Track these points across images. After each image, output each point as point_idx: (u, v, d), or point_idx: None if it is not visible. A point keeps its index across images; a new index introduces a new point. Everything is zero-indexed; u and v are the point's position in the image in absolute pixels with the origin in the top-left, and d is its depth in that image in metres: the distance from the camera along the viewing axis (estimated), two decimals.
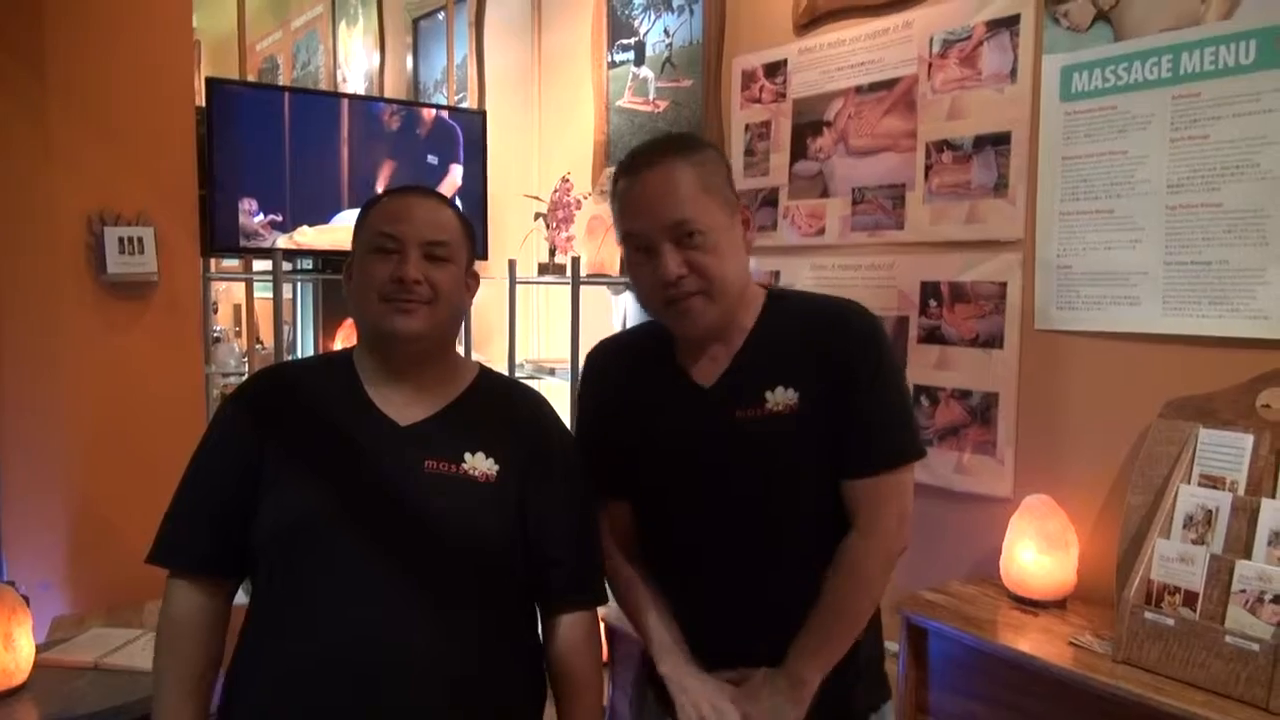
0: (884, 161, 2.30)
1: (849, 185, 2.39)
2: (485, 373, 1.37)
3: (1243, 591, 1.49)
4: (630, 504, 1.38)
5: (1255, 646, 1.41)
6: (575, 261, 2.82)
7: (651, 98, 3.02)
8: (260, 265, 3.36)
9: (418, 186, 1.37)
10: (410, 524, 1.20)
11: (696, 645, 1.31)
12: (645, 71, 3.05)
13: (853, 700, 1.30)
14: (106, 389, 2.47)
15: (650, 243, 1.22)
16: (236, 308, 5.19)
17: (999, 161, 2.06)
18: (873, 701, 1.34)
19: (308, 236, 2.98)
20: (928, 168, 2.20)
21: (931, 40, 2.19)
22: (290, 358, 3.26)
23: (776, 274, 2.59)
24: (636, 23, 3.07)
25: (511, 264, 3.07)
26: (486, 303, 1.39)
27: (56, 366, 2.43)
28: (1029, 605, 1.85)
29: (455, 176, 3.29)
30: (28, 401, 2.43)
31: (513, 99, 3.73)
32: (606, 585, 1.35)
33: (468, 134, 3.30)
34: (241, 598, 1.27)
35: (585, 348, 1.55)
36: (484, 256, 3.27)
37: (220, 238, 2.83)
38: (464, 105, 3.89)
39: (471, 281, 1.34)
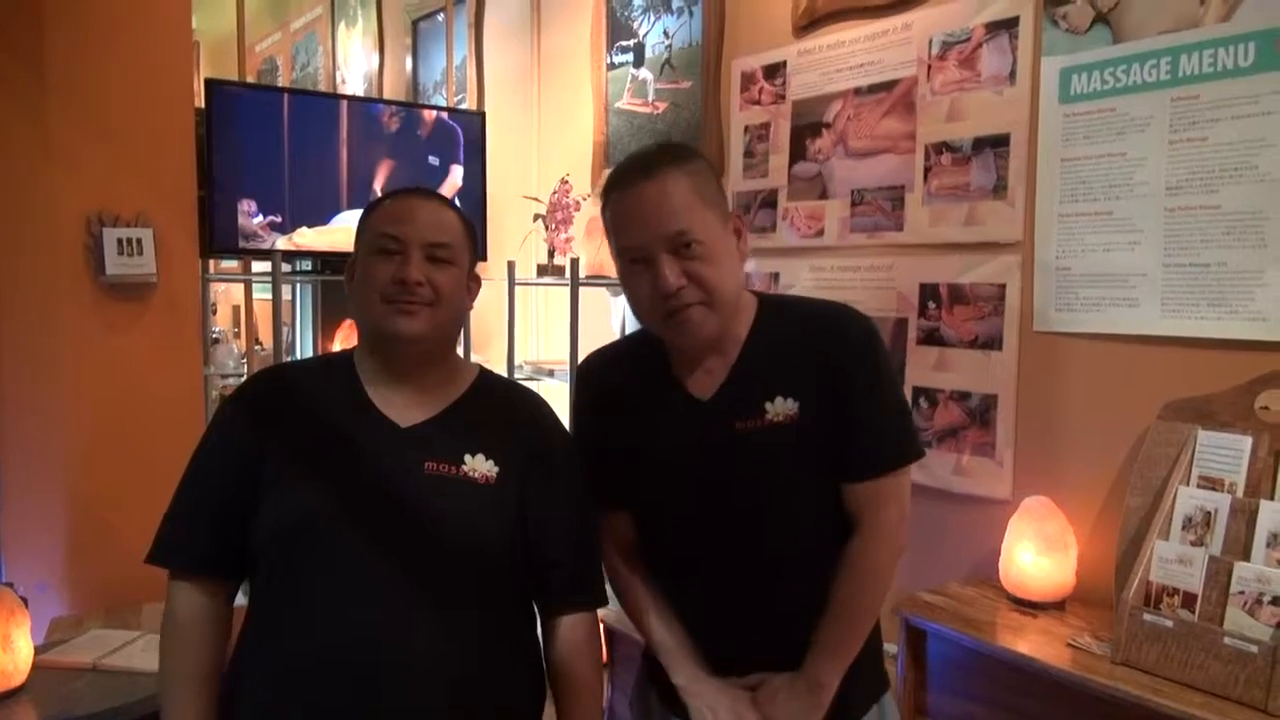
0: (883, 163, 2.30)
1: (848, 187, 2.39)
2: (485, 374, 1.37)
3: (1241, 593, 1.49)
4: (630, 514, 1.38)
5: (1254, 648, 1.41)
6: (574, 263, 2.82)
7: (651, 99, 3.02)
8: (259, 266, 3.36)
9: (420, 188, 1.37)
10: (410, 525, 1.20)
11: (698, 652, 1.32)
12: (644, 73, 3.05)
13: (855, 692, 1.31)
14: (105, 390, 2.47)
15: (648, 254, 1.21)
16: (235, 309, 5.19)
17: (998, 163, 2.06)
18: (874, 692, 1.35)
19: (307, 238, 2.98)
20: (927, 169, 2.21)
21: (931, 42, 2.20)
22: (289, 359, 3.26)
23: (775, 275, 2.59)
24: (636, 24, 3.07)
25: (510, 265, 3.08)
26: (485, 304, 1.39)
27: (55, 367, 2.42)
28: (1028, 607, 1.85)
29: (456, 177, 3.29)
30: (26, 402, 2.43)
31: (512, 100, 3.74)
32: (607, 587, 1.35)
33: (467, 135, 3.30)
34: (241, 599, 1.27)
35: (585, 349, 1.55)
36: (483, 258, 3.27)
37: (219, 239, 2.83)
38: (463, 107, 3.90)
39: (473, 284, 1.34)
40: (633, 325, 1.34)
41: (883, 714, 1.35)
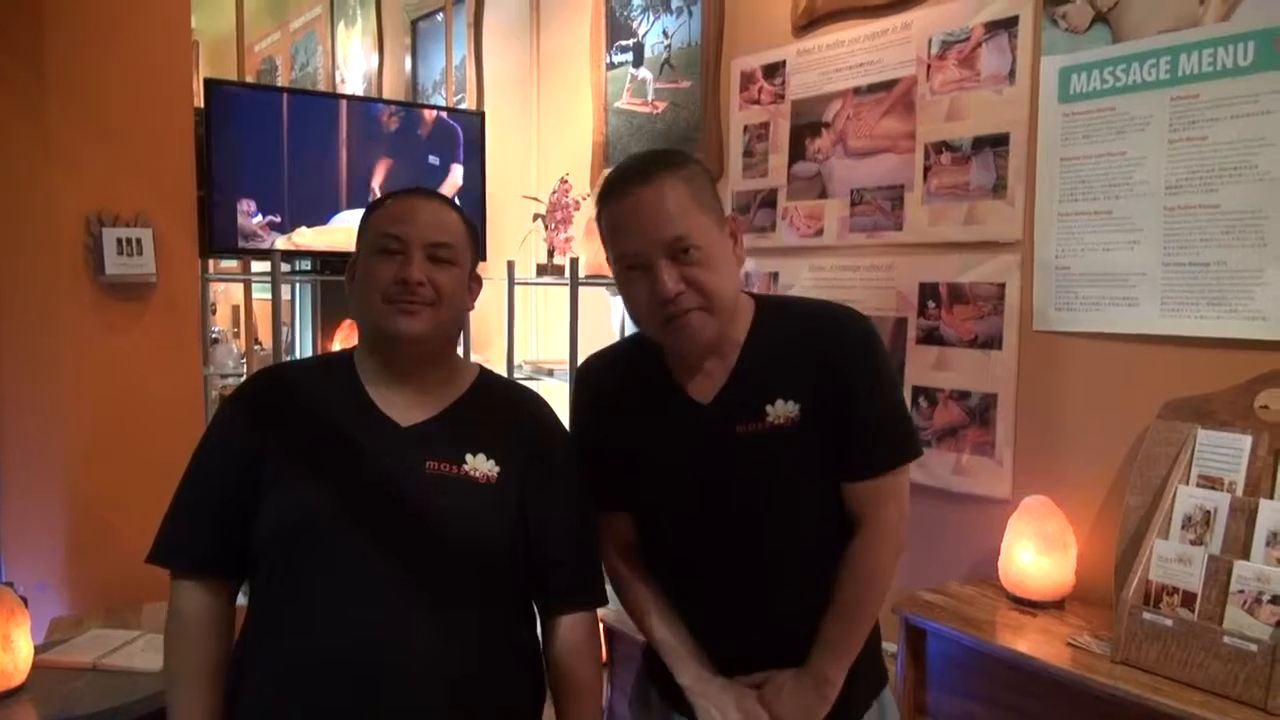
0: (883, 163, 2.30)
1: (847, 186, 2.39)
2: (485, 374, 1.37)
3: (1241, 592, 1.49)
4: (630, 516, 1.38)
5: (1253, 647, 1.42)
6: (574, 262, 2.83)
7: (650, 99, 3.02)
8: (259, 266, 3.35)
9: (422, 188, 1.37)
10: (411, 525, 1.20)
11: (702, 651, 1.32)
12: (644, 73, 3.05)
13: (856, 688, 1.31)
14: (105, 390, 2.47)
15: (646, 261, 1.21)
16: (235, 309, 5.19)
17: (997, 163, 2.06)
18: (874, 688, 1.37)
19: (306, 238, 2.98)
20: (926, 169, 2.21)
21: (930, 41, 2.20)
22: (288, 359, 3.26)
23: (775, 275, 2.59)
24: (635, 24, 3.07)
25: (510, 265, 3.08)
26: (485, 304, 1.39)
27: (55, 367, 2.42)
28: (1027, 606, 1.85)
29: (456, 177, 3.29)
30: (26, 402, 2.42)
31: (511, 100, 3.74)
32: (606, 586, 1.36)
33: (466, 135, 3.30)
34: (240, 598, 1.27)
35: (584, 348, 1.55)
36: (483, 257, 3.25)
37: (219, 239, 2.83)
38: (462, 106, 3.90)
39: (475, 284, 1.34)
40: (632, 325, 1.34)
41: (882, 710, 1.36)
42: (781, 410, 1.26)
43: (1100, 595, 1.81)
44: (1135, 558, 1.63)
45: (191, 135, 2.64)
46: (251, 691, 1.19)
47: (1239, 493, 1.59)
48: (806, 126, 2.50)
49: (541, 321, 3.64)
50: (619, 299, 3.14)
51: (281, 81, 5.67)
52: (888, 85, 2.29)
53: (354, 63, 4.88)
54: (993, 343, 2.08)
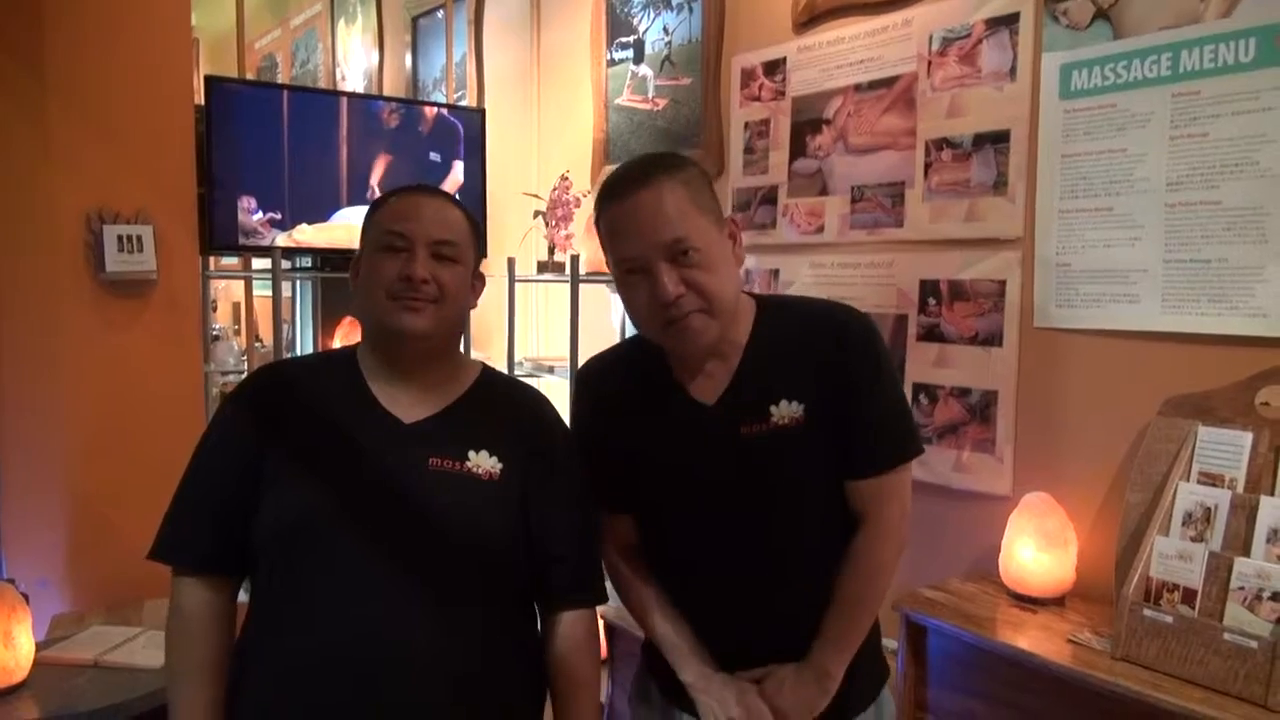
0: (883, 159, 2.30)
1: (848, 183, 2.39)
2: (488, 371, 1.37)
3: (1241, 589, 1.49)
4: (632, 516, 1.38)
5: (1254, 644, 1.42)
6: (574, 259, 2.83)
7: (651, 96, 3.02)
8: (259, 263, 3.35)
9: (427, 186, 1.37)
10: (414, 521, 1.20)
11: (704, 648, 1.33)
12: (644, 69, 3.05)
13: (857, 683, 1.32)
14: (105, 387, 2.47)
15: (646, 264, 1.21)
16: (236, 306, 5.19)
17: (998, 159, 2.06)
18: (875, 683, 1.38)
19: (306, 234, 2.98)
20: (927, 165, 2.21)
21: (931, 38, 2.20)
22: (289, 356, 3.26)
23: (775, 272, 2.59)
24: (636, 21, 3.07)
25: (510, 262, 3.08)
26: (486, 301, 1.39)
27: (55, 365, 2.43)
28: (1028, 603, 1.85)
29: (458, 173, 3.29)
30: (27, 400, 2.43)
31: (512, 97, 3.73)
32: (607, 584, 1.36)
33: (466, 132, 3.30)
34: (242, 596, 1.27)
35: (585, 346, 1.55)
36: (484, 254, 3.27)
37: (219, 236, 2.83)
38: (463, 103, 3.89)
39: (478, 282, 1.34)
40: (632, 324, 1.34)
41: (881, 706, 1.37)
42: (786, 410, 1.26)
43: (1101, 592, 1.81)
44: (1136, 554, 1.63)
45: (192, 132, 2.63)
46: (253, 688, 1.19)
47: (1239, 489, 1.59)
48: (807, 123, 2.50)
49: (542, 319, 3.64)
50: (619, 296, 3.15)
51: (282, 79, 5.67)
52: (888, 82, 2.29)
53: (354, 60, 4.88)
54: (993, 340, 2.08)
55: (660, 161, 1.25)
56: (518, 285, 3.09)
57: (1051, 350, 1.99)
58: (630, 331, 1.55)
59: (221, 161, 2.81)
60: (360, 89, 4.70)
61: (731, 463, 1.28)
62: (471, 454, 1.25)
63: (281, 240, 2.92)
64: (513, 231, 3.44)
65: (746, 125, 2.68)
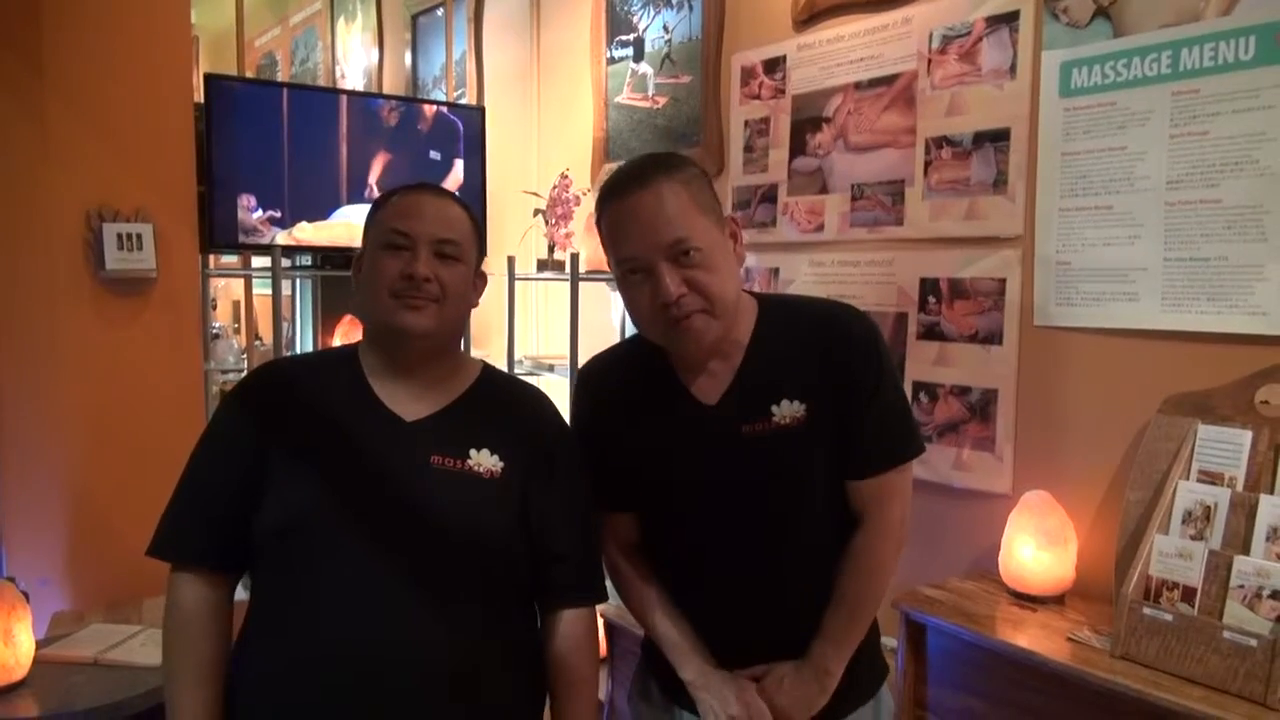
0: (883, 158, 2.30)
1: (848, 181, 2.39)
2: (489, 370, 1.38)
3: (1241, 587, 1.49)
4: (633, 515, 1.39)
5: (1253, 642, 1.42)
6: (574, 258, 2.83)
7: (650, 94, 3.02)
8: (259, 261, 3.36)
9: (430, 184, 1.37)
10: (415, 519, 1.20)
11: (704, 646, 1.33)
12: (644, 67, 3.04)
13: (856, 680, 1.33)
14: (105, 385, 2.47)
15: (647, 264, 1.21)
16: (235, 304, 5.19)
17: (998, 158, 2.06)
18: (874, 681, 1.38)
19: (306, 233, 2.98)
20: (927, 164, 2.20)
21: (931, 36, 2.19)
22: (289, 354, 3.26)
23: (775, 271, 2.59)
24: (635, 19, 3.07)
25: (510, 260, 3.08)
26: (485, 299, 1.39)
27: (55, 363, 2.43)
28: (1028, 601, 1.85)
29: (458, 172, 3.29)
30: (27, 398, 2.43)
31: (511, 95, 3.73)
32: (607, 582, 1.36)
33: (466, 130, 3.30)
34: (241, 594, 1.27)
35: (584, 344, 1.55)
36: (485, 253, 3.27)
37: (219, 234, 2.83)
38: (463, 101, 3.89)
39: (479, 281, 1.34)
40: (632, 323, 1.34)
41: (879, 704, 1.38)
42: (788, 410, 1.26)
43: (1100, 590, 1.81)
44: (1135, 553, 1.63)
45: (192, 130, 2.63)
46: (253, 686, 1.19)
47: (1239, 488, 1.59)
48: (807, 121, 2.50)
49: (542, 317, 3.64)
50: (619, 294, 3.15)
51: (281, 77, 5.66)
52: (888, 80, 2.29)
53: (354, 58, 4.88)
54: (993, 338, 2.08)
55: (661, 162, 1.25)
56: (517, 283, 3.09)
57: (1051, 349, 1.99)
58: (630, 330, 1.55)
59: (221, 159, 2.81)
60: (360, 87, 4.70)
61: (733, 462, 1.28)
62: (473, 452, 1.25)
63: (281, 238, 2.92)
64: (512, 230, 3.44)
65: (746, 123, 2.67)
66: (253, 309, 3.42)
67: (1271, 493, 1.55)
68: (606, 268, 1.32)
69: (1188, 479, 1.65)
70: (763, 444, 1.26)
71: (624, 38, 3.12)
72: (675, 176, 1.22)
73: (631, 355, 1.40)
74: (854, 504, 1.30)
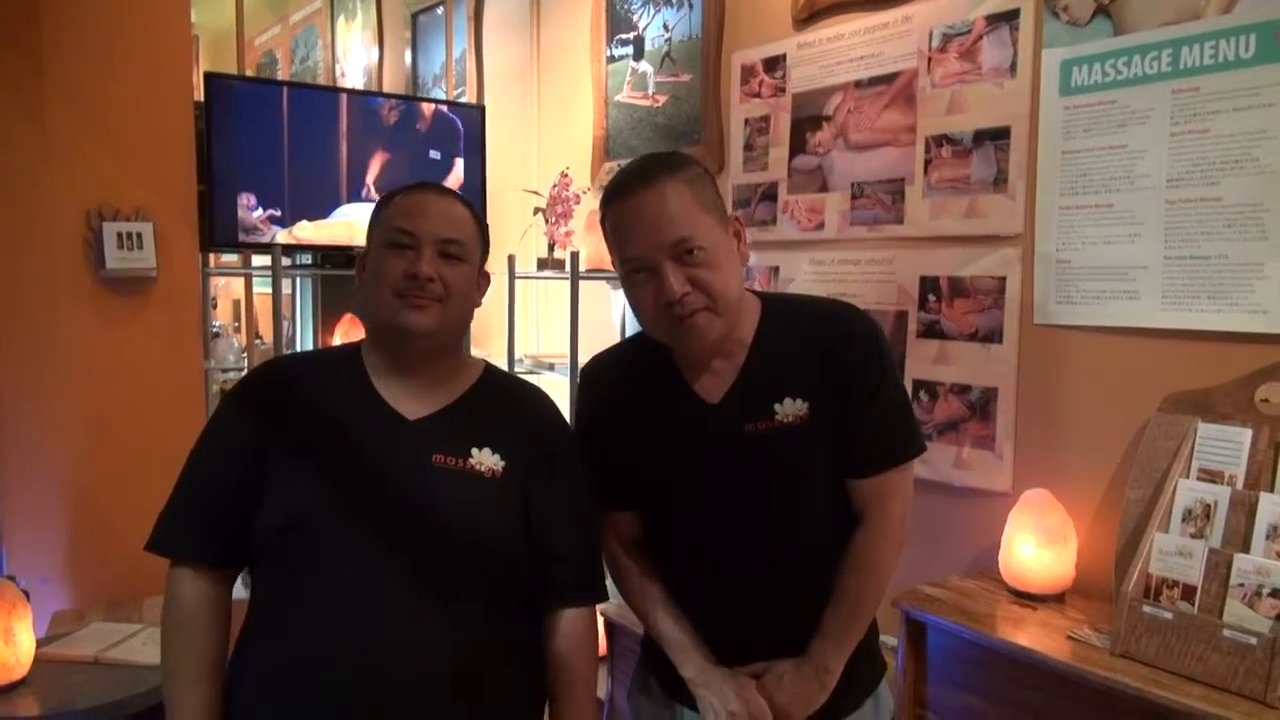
0: (883, 156, 2.30)
1: (848, 180, 2.39)
2: (490, 369, 1.38)
3: (1241, 585, 1.49)
4: (634, 514, 1.39)
5: (1253, 640, 1.42)
6: (574, 256, 2.83)
7: (650, 92, 3.02)
8: (259, 260, 3.35)
9: (434, 184, 1.37)
10: (416, 518, 1.20)
11: (705, 644, 1.33)
12: (644, 66, 3.04)
13: (855, 678, 1.33)
14: (105, 384, 2.47)
15: (651, 263, 1.22)
16: (236, 303, 5.19)
17: (998, 156, 2.06)
18: (873, 678, 1.39)
19: (307, 231, 2.98)
20: (927, 162, 2.20)
21: (931, 34, 2.19)
22: (289, 353, 3.26)
23: (776, 269, 2.59)
24: (635, 17, 3.07)
25: (510, 259, 3.08)
26: (486, 298, 1.40)
27: (55, 362, 2.43)
28: (1028, 599, 1.85)
29: (458, 170, 3.29)
30: (27, 397, 2.43)
31: (511, 94, 3.73)
32: (607, 581, 1.36)
33: (466, 129, 3.30)
34: (240, 592, 1.27)
35: (585, 342, 1.55)
36: (488, 253, 3.27)
37: (219, 233, 2.83)
38: (463, 100, 3.89)
39: (483, 281, 1.35)
40: (633, 320, 1.34)
41: (878, 701, 1.38)
42: (790, 409, 1.26)
43: (1100, 589, 1.81)
44: (1135, 551, 1.63)
45: (192, 129, 2.64)
46: (253, 685, 1.19)
47: (1239, 486, 1.59)
48: (807, 120, 2.50)
49: (542, 315, 3.64)
50: (620, 293, 3.15)
51: (281, 75, 5.66)
52: (888, 78, 2.29)
53: (354, 56, 4.88)
54: (993, 336, 2.08)
55: (664, 161, 1.25)
56: (518, 282, 3.09)
57: (1051, 347, 1.98)
58: (630, 328, 1.55)
59: (221, 158, 2.81)
60: (360, 86, 4.70)
61: (735, 460, 1.28)
62: (474, 451, 1.25)
63: (281, 237, 2.92)
64: (512, 228, 3.44)
65: (746, 122, 2.67)
66: (253, 308, 3.42)
67: (1271, 491, 1.55)
68: (607, 266, 1.33)
69: (1188, 477, 1.65)
70: (765, 442, 1.27)
71: (624, 36, 3.12)
72: (679, 176, 1.22)
73: (634, 353, 1.40)
74: (855, 502, 1.31)
